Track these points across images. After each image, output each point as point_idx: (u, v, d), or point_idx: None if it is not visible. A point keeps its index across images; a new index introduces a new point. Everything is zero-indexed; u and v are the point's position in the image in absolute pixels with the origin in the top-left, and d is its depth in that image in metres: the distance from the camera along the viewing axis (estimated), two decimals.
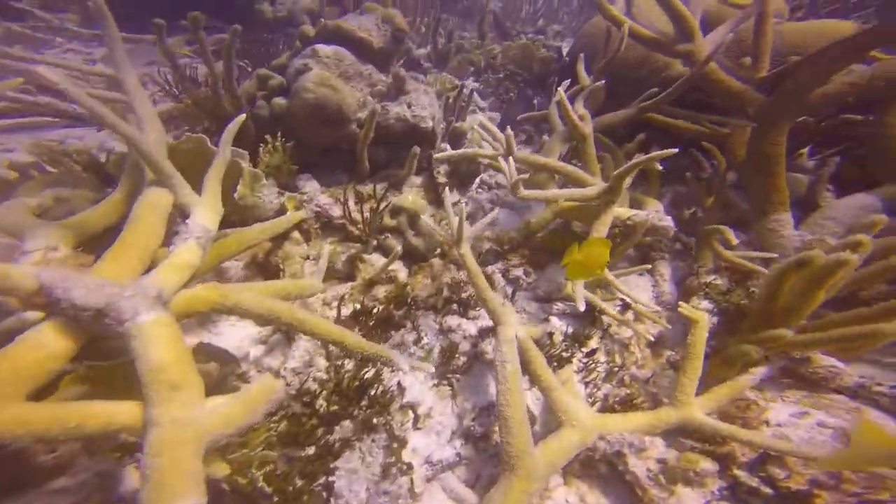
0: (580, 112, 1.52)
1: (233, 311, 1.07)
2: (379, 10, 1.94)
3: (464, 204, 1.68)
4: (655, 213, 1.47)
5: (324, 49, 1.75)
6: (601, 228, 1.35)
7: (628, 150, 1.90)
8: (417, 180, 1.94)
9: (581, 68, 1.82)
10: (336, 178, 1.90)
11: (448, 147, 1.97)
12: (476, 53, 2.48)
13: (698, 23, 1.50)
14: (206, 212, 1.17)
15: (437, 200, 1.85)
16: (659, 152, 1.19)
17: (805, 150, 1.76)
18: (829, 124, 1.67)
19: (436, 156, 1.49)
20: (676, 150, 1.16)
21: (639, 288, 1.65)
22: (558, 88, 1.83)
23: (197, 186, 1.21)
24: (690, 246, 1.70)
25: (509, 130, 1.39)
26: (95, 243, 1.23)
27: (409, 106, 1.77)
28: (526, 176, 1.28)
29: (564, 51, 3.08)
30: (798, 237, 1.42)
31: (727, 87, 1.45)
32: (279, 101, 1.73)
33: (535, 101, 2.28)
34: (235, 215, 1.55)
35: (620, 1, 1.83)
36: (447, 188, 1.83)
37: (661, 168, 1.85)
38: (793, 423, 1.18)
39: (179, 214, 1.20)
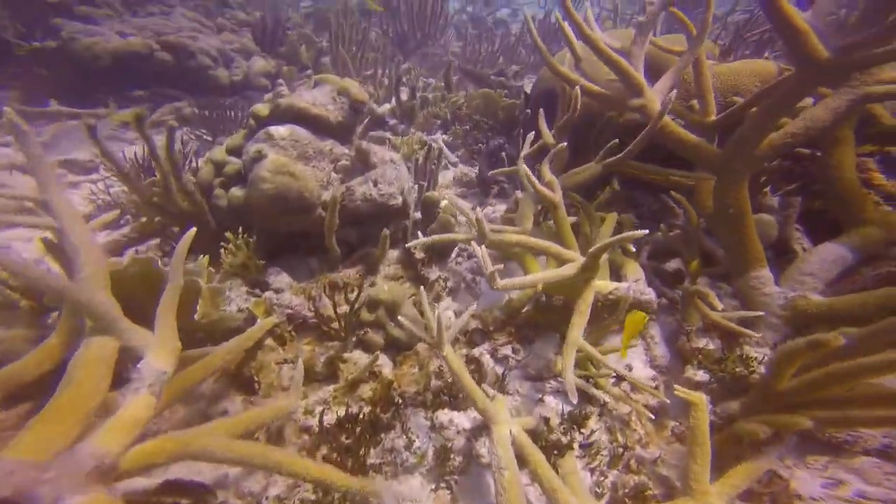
0: (547, 178, 1.47)
1: (198, 458, 0.97)
2: (333, 81, 1.88)
3: (447, 310, 1.61)
4: (636, 283, 1.43)
5: (278, 131, 1.67)
6: (583, 307, 1.30)
7: (600, 200, 1.87)
8: (394, 254, 1.87)
9: (543, 124, 1.79)
10: (307, 264, 1.81)
11: (420, 215, 1.90)
12: (441, 106, 2.44)
13: (643, 72, 1.50)
14: (159, 353, 1.07)
15: (416, 277, 1.78)
16: (631, 233, 1.15)
17: (767, 189, 1.77)
18: (780, 164, 1.70)
19: (408, 244, 1.42)
20: (645, 231, 1.13)
21: (630, 352, 1.60)
22: (521, 155, 1.80)
23: (148, 316, 1.10)
24: (676, 300, 1.66)
25: (479, 213, 1.34)
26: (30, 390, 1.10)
27: (376, 184, 1.70)
28: (501, 266, 1.22)
29: (528, 87, 3.08)
30: (781, 294, 1.40)
31: (683, 141, 1.44)
32: (236, 192, 1.64)
33: (504, 154, 2.24)
34: (201, 331, 1.44)
35: (570, 52, 1.82)
36: (430, 286, 1.76)
37: (636, 223, 1.83)
38: (830, 497, 1.12)
39: (129, 359, 1.09)
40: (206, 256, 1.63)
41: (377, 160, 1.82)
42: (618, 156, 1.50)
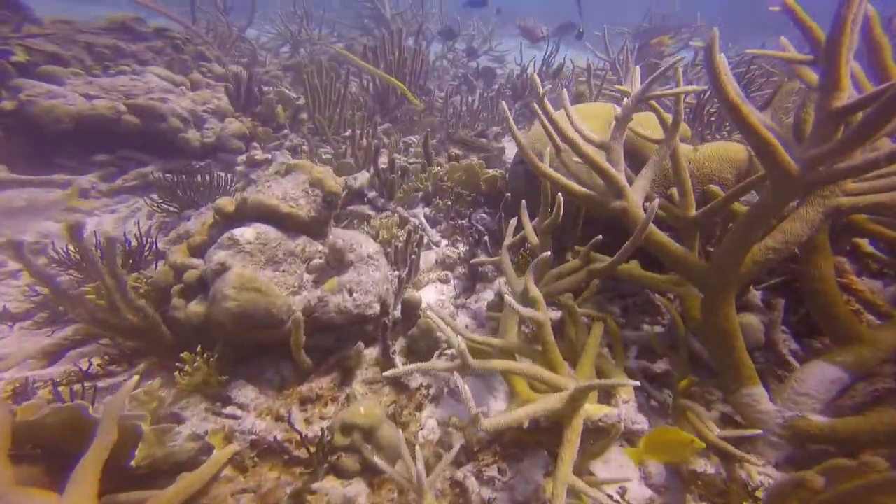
0: (532, 294, 1.39)
1: None
2: (306, 168, 1.78)
3: (430, 418, 1.50)
4: (625, 405, 1.34)
5: (244, 235, 1.55)
6: (573, 437, 1.21)
7: (585, 297, 1.81)
8: (373, 353, 1.75)
9: (526, 219, 1.72)
10: (278, 369, 1.66)
11: (399, 314, 1.80)
12: (422, 178, 2.37)
13: (623, 169, 1.45)
14: None
15: (396, 382, 1.66)
16: (620, 381, 1.08)
17: (751, 285, 1.73)
18: None
19: (384, 374, 1.31)
20: (636, 383, 1.07)
21: (624, 468, 1.50)
22: (504, 244, 1.73)
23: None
24: (668, 406, 1.58)
25: (462, 345, 1.24)
26: None
27: (351, 293, 1.59)
28: (485, 408, 1.12)
29: (507, 151, 3.05)
30: (778, 413, 1.33)
31: (668, 251, 1.39)
32: (196, 308, 1.50)
33: (486, 230, 2.17)
34: (142, 467, 1.27)
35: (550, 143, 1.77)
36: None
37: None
38: None
39: None
40: (158, 380, 1.49)
41: (353, 257, 1.72)
42: (604, 265, 1.43)
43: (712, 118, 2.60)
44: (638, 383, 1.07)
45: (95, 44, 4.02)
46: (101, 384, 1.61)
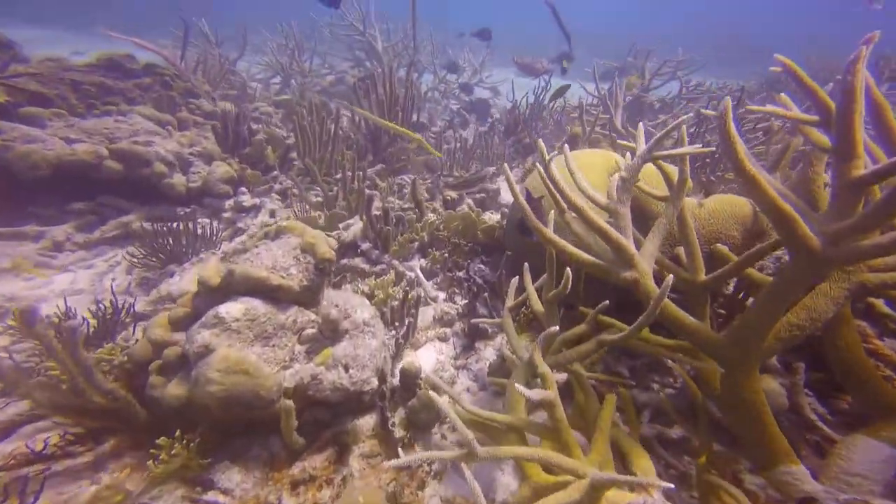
0: (541, 371, 1.30)
1: None
2: (297, 231, 1.69)
3: (433, 497, 1.38)
4: (650, 494, 1.24)
5: (231, 312, 1.45)
6: None
7: (593, 360, 1.73)
8: (369, 423, 1.63)
9: (528, 281, 1.65)
10: (267, 445, 1.53)
11: (398, 381, 1.69)
12: (417, 228, 2.29)
13: (631, 235, 1.39)
14: None
15: (396, 456, 1.53)
16: (648, 481, 0.98)
17: None
18: None
19: (387, 464, 1.20)
20: (669, 485, 0.97)
21: None
22: (506, 306, 1.65)
23: None
24: (689, 476, 1.49)
25: (469, 435, 1.14)
26: None
27: (347, 369, 1.48)
28: (493, 482, 1.01)
29: (503, 193, 3.01)
30: (829, 496, 1.23)
31: (682, 324, 1.33)
32: (176, 391, 1.38)
33: (485, 283, 2.09)
34: None
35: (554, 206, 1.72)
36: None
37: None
38: None
39: None
40: (126, 471, 1.35)
41: (348, 325, 1.62)
42: (615, 338, 1.36)
43: (707, 159, 2.60)
44: (671, 486, 0.98)
45: (81, 81, 3.95)
46: (57, 467, 1.45)
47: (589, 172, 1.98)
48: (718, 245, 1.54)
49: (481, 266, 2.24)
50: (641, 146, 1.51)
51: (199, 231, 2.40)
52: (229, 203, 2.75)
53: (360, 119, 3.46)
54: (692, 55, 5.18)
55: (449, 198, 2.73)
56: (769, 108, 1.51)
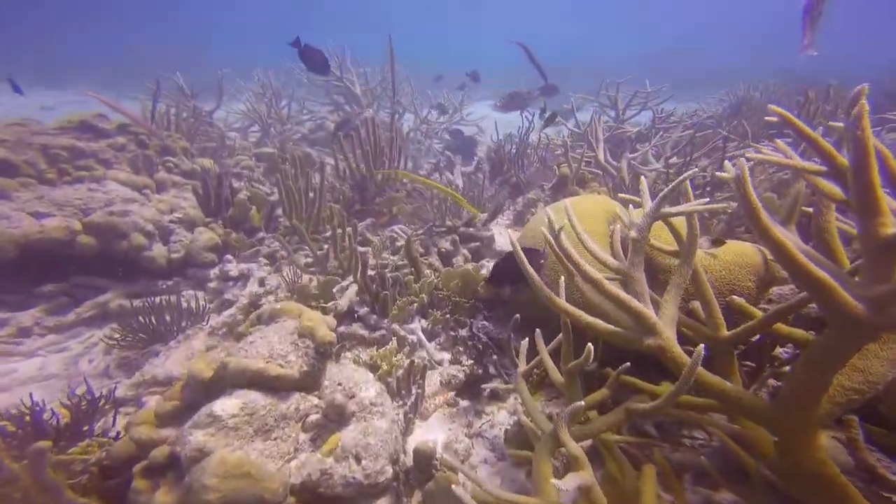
0: (571, 451, 1.21)
1: None
2: (292, 313, 1.59)
3: None
4: None
5: (227, 408, 1.32)
6: None
7: (628, 441, 1.63)
8: None
9: (542, 346, 1.57)
10: None
11: (411, 462, 1.56)
12: (415, 289, 2.21)
13: (648, 299, 1.34)
14: None
15: None
16: None
17: None
18: None
19: None
20: None
21: None
22: (519, 371, 1.56)
23: None
24: None
25: None
26: None
27: (359, 460, 1.35)
28: None
29: (497, 239, 2.97)
30: None
31: (722, 393, 1.26)
32: (165, 500, 1.22)
33: (490, 340, 2.01)
34: None
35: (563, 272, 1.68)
36: None
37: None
38: None
39: None
40: None
41: (355, 407, 1.50)
42: (647, 407, 1.28)
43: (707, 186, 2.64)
44: None
45: (51, 145, 3.81)
46: None
47: (589, 222, 1.96)
48: (735, 298, 1.50)
49: (484, 323, 2.16)
50: (647, 202, 1.49)
51: (185, 305, 2.26)
52: (215, 272, 2.62)
53: (344, 168, 3.42)
54: (661, 86, 5.43)
55: (443, 249, 2.67)
56: (771, 156, 1.51)
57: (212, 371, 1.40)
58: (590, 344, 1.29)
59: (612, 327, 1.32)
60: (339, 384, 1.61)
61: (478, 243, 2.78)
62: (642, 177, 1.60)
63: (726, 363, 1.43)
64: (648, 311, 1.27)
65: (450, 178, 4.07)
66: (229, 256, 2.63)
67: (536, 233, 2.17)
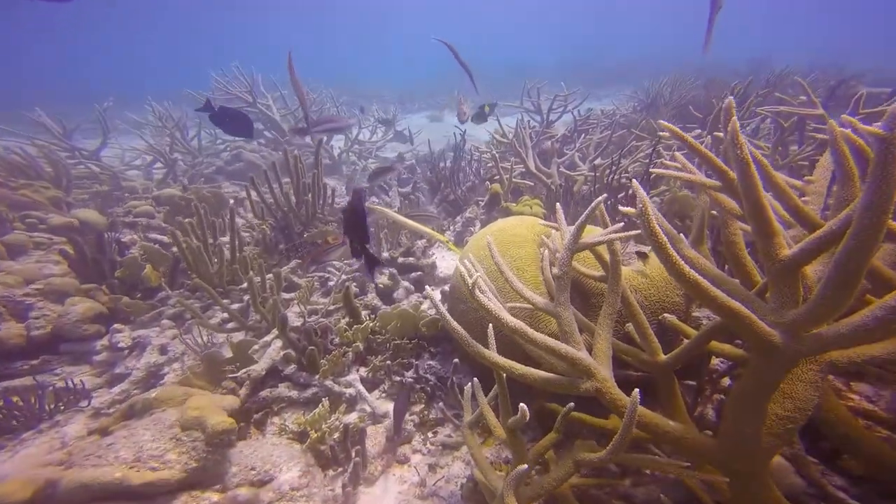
0: None
1: None
2: (175, 399, 1.37)
3: None
4: None
5: None
6: None
7: (588, 483, 1.58)
8: None
9: (483, 400, 1.47)
10: None
11: None
12: (349, 336, 2.04)
13: (581, 340, 1.30)
14: None
15: None
16: None
17: None
18: None
19: None
20: None
21: None
22: (465, 423, 1.46)
23: None
24: None
25: None
26: None
27: None
28: None
29: (440, 264, 2.88)
30: None
31: (665, 433, 1.25)
32: None
33: (438, 383, 1.89)
34: None
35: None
36: None
37: None
38: None
39: None
40: None
41: (271, 495, 1.31)
42: (597, 457, 1.22)
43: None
44: None
45: None
46: None
47: (517, 249, 1.92)
48: (667, 316, 1.51)
49: (430, 363, 2.04)
50: (564, 230, 1.46)
51: (59, 385, 1.89)
52: (103, 342, 2.26)
53: (262, 209, 3.15)
54: (578, 89, 5.70)
55: (381, 285, 2.52)
56: (672, 172, 1.54)
57: (30, 492, 1.11)
58: (522, 404, 1.21)
59: (545, 375, 1.25)
60: (253, 468, 1.41)
61: (419, 272, 2.67)
62: (557, 205, 1.57)
63: (668, 385, 1.43)
64: (580, 354, 1.22)
65: (387, 201, 3.94)
66: (118, 326, 2.28)
67: (478, 256, 2.07)
